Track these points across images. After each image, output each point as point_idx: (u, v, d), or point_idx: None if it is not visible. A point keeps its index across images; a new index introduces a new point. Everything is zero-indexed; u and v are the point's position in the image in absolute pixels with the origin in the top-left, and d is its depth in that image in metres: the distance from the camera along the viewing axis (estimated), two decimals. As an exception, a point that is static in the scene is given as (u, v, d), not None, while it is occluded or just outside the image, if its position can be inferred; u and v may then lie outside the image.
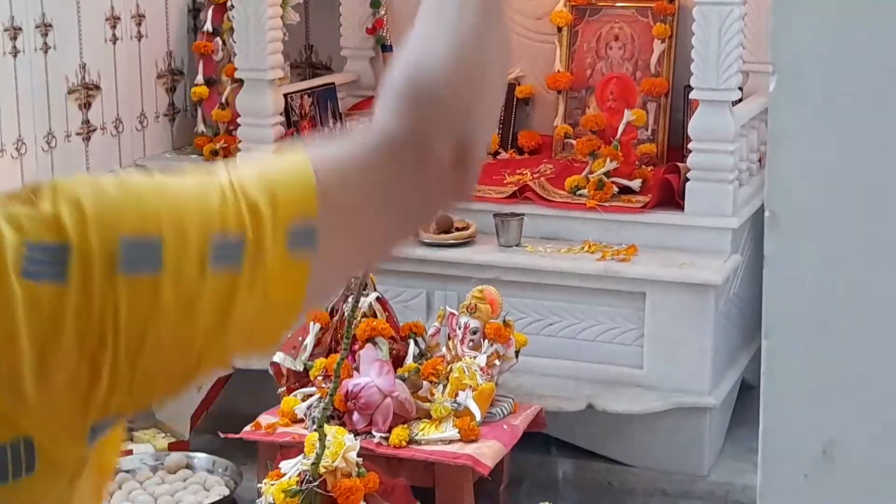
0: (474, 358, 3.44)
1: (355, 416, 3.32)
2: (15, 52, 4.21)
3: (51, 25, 4.34)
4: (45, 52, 4.34)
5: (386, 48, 4.83)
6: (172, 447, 3.81)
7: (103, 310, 0.84)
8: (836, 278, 1.06)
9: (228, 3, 4.50)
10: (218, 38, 4.70)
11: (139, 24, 4.79)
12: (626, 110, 4.12)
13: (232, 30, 4.38)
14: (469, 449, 3.26)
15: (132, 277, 0.85)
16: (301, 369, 3.54)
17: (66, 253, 0.83)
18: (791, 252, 1.08)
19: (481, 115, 1.05)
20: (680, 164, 3.98)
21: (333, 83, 4.73)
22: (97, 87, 4.54)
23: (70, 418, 0.85)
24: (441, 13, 1.06)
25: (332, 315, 3.63)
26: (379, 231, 1.00)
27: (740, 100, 3.96)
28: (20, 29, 4.23)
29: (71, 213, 0.84)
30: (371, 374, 3.36)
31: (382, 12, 4.81)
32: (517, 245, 3.92)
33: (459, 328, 3.51)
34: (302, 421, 3.40)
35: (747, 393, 3.97)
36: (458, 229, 4.00)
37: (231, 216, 0.89)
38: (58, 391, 0.83)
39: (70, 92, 4.43)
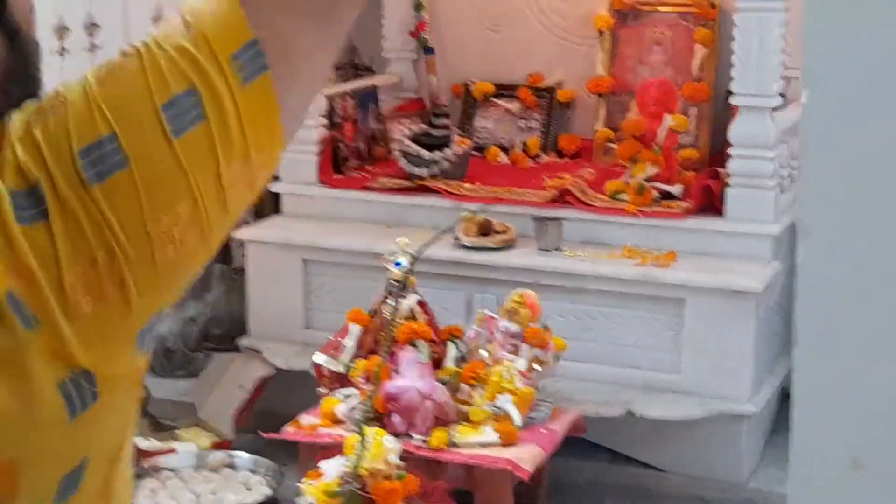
0: (513, 362, 3.45)
1: (395, 418, 3.35)
2: (62, 52, 4.27)
3: (98, 25, 4.40)
4: (92, 51, 4.40)
5: (428, 51, 4.85)
6: (215, 446, 3.85)
7: (94, 225, 0.85)
8: (868, 289, 1.07)
9: (273, 7, 4.54)
10: (262, 41, 4.74)
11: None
12: (666, 115, 4.12)
13: (277, 33, 4.41)
14: (508, 453, 3.28)
15: (104, 183, 0.85)
16: (342, 371, 3.57)
17: (38, 192, 0.84)
18: (822, 263, 1.09)
19: None
20: (720, 170, 3.98)
21: (375, 85, 4.77)
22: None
23: (115, 335, 0.87)
24: None
25: (372, 317, 3.66)
26: (321, 7, 0.92)
27: (782, 105, 3.96)
28: (67, 29, 4.29)
29: (28, 153, 0.85)
30: (411, 377, 3.38)
31: (425, 15, 4.84)
32: (557, 249, 3.93)
33: (499, 332, 3.53)
34: (342, 422, 3.43)
35: (789, 401, 3.96)
36: (497, 233, 4.02)
37: (170, 77, 0.87)
38: (93, 316, 0.85)
39: (116, 92, 4.49)
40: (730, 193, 3.85)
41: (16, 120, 0.87)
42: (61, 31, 4.26)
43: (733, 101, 3.88)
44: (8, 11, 0.96)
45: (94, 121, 0.86)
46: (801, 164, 1.03)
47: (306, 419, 3.49)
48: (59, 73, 4.23)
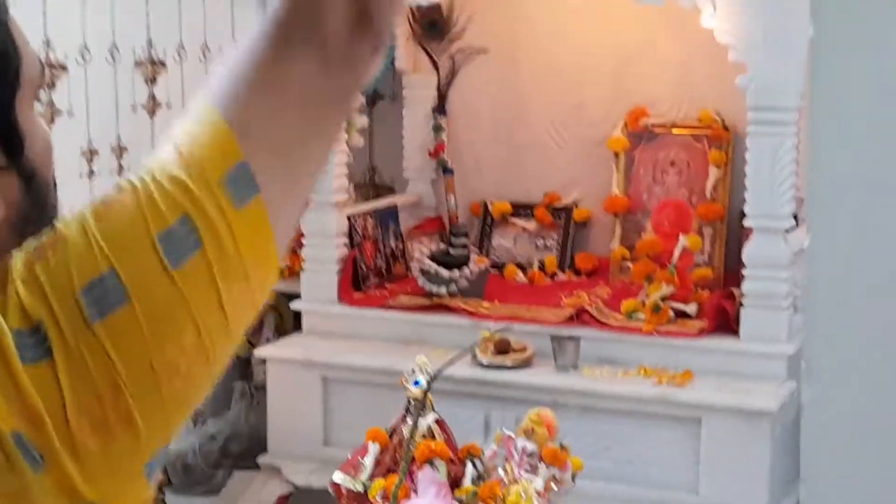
0: (531, 481, 3.47)
1: (413, 537, 3.36)
2: (91, 174, 4.38)
3: (125, 148, 4.52)
4: (119, 174, 4.51)
5: (447, 171, 4.95)
6: (233, 564, 3.87)
7: (98, 364, 0.85)
8: (873, 429, 1.12)
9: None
10: (285, 162, 4.85)
11: (209, 147, 4.97)
12: (681, 235, 4.19)
13: (299, 155, 4.52)
14: (525, 573, 3.29)
15: (105, 321, 0.85)
16: (360, 490, 3.60)
17: (42, 331, 0.85)
18: (828, 402, 1.14)
19: None
20: (735, 290, 4.04)
21: (396, 204, 4.86)
22: (168, 208, 4.69)
23: (123, 470, 0.87)
24: None
25: (391, 436, 3.69)
26: (307, 126, 0.93)
27: (795, 226, 4.02)
28: (96, 152, 4.40)
29: (31, 291, 0.85)
30: (429, 496, 3.40)
31: (444, 137, 4.94)
32: (574, 368, 3.97)
33: (516, 451, 3.56)
34: (360, 541, 3.45)
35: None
36: (515, 351, 4.07)
37: (164, 208, 0.87)
38: (100, 453, 0.85)
39: (142, 213, 4.59)
40: (744, 314, 3.90)
41: (17, 258, 0.88)
42: (90, 153, 4.38)
43: (747, 223, 3.95)
44: (25, 155, 0.98)
45: (94, 257, 0.86)
46: (807, 305, 1.09)
47: (325, 538, 3.51)
48: (88, 196, 4.34)
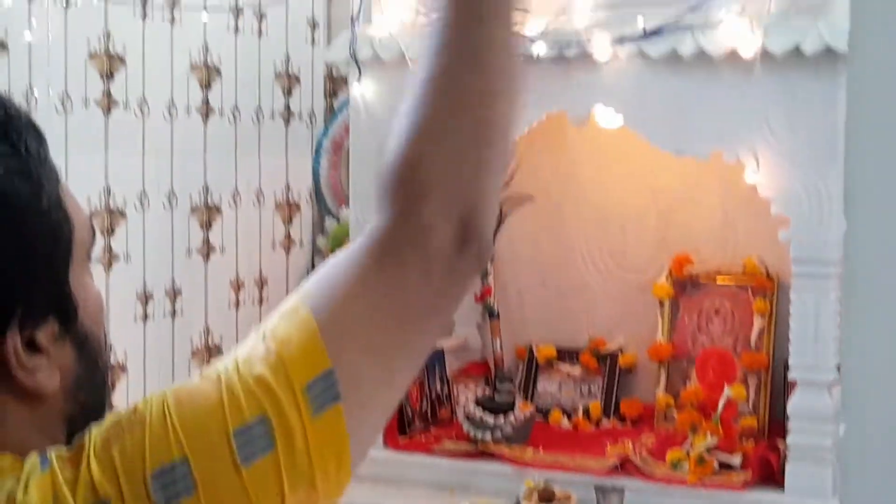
0: None
1: None
2: (145, 318, 4.49)
3: (179, 292, 4.63)
4: (173, 317, 4.61)
5: (493, 315, 5.01)
6: None
7: None
8: None
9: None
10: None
11: (261, 289, 5.08)
12: (725, 386, 4.21)
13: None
14: None
15: None
16: None
17: None
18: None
19: (477, 173, 0.93)
20: (780, 441, 4.03)
21: (442, 347, 4.91)
22: (219, 350, 4.79)
23: None
24: (413, 86, 0.96)
25: (434, 587, 3.70)
26: (400, 340, 0.94)
27: (839, 379, 4.03)
28: (151, 295, 4.52)
29: (103, 472, 0.87)
30: None
31: (490, 281, 5.02)
32: (618, 519, 3.97)
33: None
34: None
35: None
36: (559, 500, 4.07)
37: (245, 405, 0.89)
38: None
39: (194, 354, 4.69)
40: (789, 467, 3.89)
41: (95, 435, 0.91)
42: (145, 297, 4.49)
43: (791, 375, 3.96)
44: (79, 321, 1.00)
45: (169, 444, 0.90)
46: (842, 472, 1.13)
47: None
48: (141, 338, 4.44)
